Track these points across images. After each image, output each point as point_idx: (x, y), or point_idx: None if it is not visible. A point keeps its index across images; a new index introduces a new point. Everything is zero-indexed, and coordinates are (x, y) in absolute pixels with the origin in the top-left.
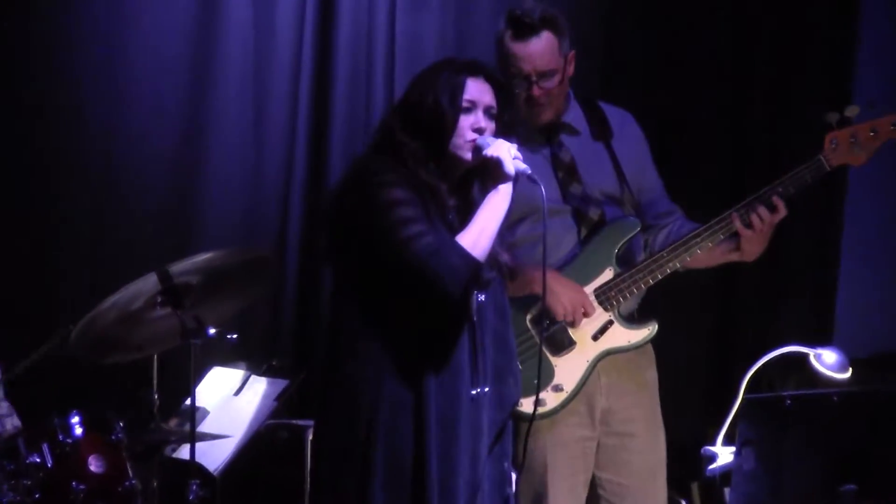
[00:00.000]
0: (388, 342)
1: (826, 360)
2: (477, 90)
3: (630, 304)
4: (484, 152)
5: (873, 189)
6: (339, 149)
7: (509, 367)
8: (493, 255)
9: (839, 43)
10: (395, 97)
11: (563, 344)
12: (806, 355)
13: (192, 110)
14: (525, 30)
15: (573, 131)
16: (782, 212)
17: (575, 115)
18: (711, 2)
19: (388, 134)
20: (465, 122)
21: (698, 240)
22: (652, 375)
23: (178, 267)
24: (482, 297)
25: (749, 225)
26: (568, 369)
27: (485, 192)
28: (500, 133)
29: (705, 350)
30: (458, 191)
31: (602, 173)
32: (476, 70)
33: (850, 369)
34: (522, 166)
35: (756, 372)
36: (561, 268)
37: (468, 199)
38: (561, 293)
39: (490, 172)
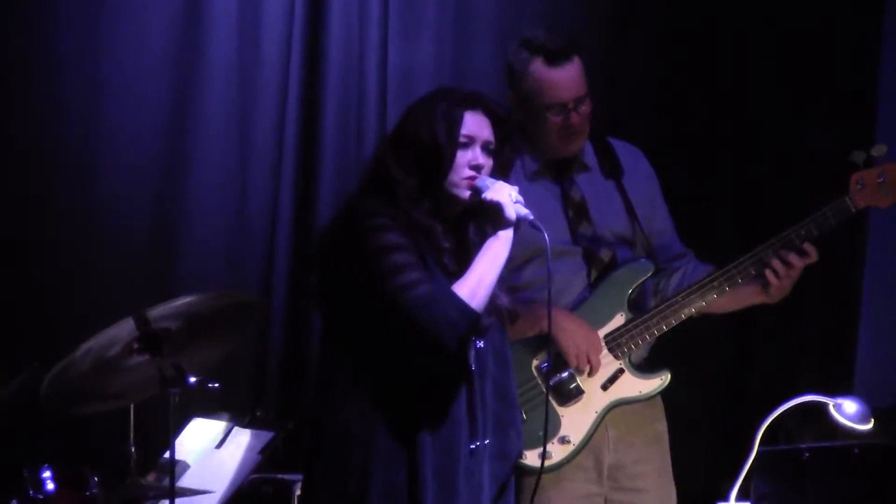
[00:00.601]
0: (381, 393)
1: (846, 411)
2: (475, 124)
3: (641, 352)
4: (483, 195)
5: None
6: (328, 184)
7: (510, 418)
8: (491, 300)
9: (860, 82)
10: (388, 130)
11: (570, 393)
12: (825, 405)
13: (172, 144)
14: (559, 56)
15: (584, 167)
16: (813, 255)
17: (586, 150)
18: (722, 33)
19: (381, 169)
20: (463, 158)
21: (714, 284)
22: (662, 428)
23: (156, 311)
24: (480, 344)
25: (772, 269)
26: (575, 420)
27: (482, 234)
28: (499, 170)
29: (718, 399)
30: (454, 231)
31: (613, 213)
32: (475, 102)
33: (873, 420)
34: (524, 211)
35: (772, 423)
36: (572, 311)
37: (464, 241)
38: (574, 332)
39: (489, 216)
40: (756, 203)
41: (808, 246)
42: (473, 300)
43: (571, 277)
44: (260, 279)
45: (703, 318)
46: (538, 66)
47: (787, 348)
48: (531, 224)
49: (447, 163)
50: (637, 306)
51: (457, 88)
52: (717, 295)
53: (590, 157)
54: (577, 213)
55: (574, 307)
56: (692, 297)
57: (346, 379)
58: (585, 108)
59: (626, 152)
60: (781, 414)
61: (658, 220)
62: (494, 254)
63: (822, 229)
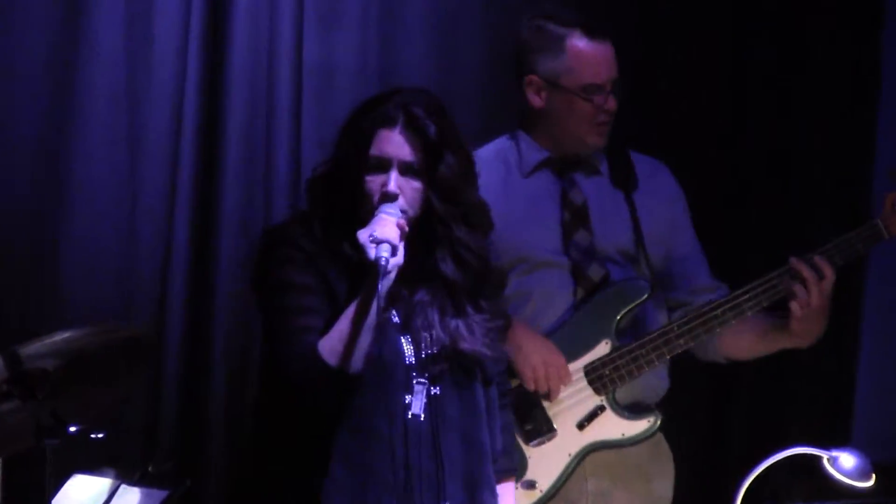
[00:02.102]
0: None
1: (843, 465)
2: (390, 144)
3: (633, 391)
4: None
5: None
6: (231, 202)
7: (482, 473)
8: (451, 342)
9: (858, 110)
10: (303, 137)
11: (539, 429)
12: (818, 458)
13: (50, 157)
14: (598, 29)
15: (593, 170)
16: (829, 275)
17: (598, 154)
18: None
19: (310, 192)
20: (374, 183)
21: (717, 313)
22: (662, 489)
23: (30, 349)
24: (436, 391)
25: (791, 293)
26: (544, 462)
27: (446, 267)
28: (439, 194)
29: (695, 451)
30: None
31: (619, 226)
32: (391, 118)
33: (874, 476)
34: (382, 255)
35: (757, 478)
36: (547, 336)
37: (417, 272)
38: (531, 354)
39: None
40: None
41: (821, 263)
42: (335, 358)
43: (556, 293)
44: (152, 312)
45: (683, 358)
46: (576, 40)
47: (777, 393)
48: (381, 272)
49: (355, 190)
50: (628, 335)
51: (385, 98)
52: (722, 328)
53: (601, 162)
54: (574, 218)
55: (553, 329)
56: (691, 327)
57: (267, 423)
58: (615, 98)
59: (645, 166)
60: (768, 468)
61: (679, 244)
62: (359, 304)
63: (848, 257)
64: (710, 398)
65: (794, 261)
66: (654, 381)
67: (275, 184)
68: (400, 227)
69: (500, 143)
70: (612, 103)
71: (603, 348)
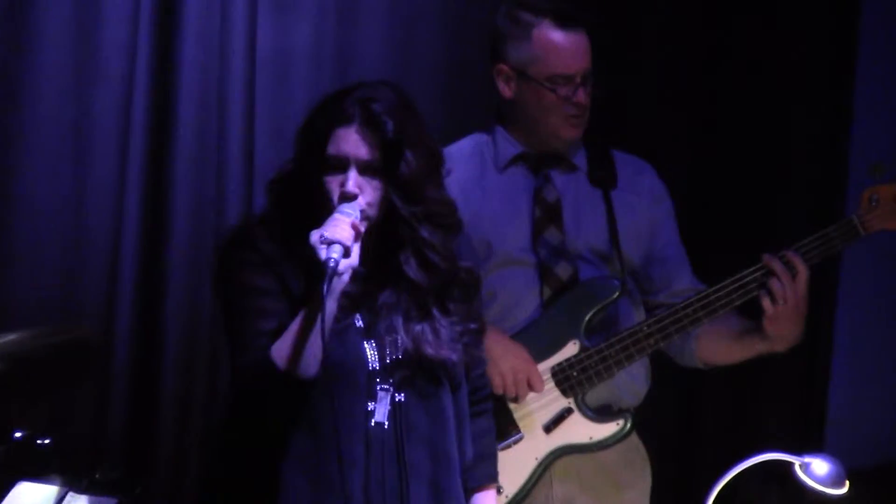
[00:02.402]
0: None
1: (816, 472)
2: (347, 142)
3: (604, 393)
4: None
5: (871, 265)
6: (182, 198)
7: (450, 486)
8: (415, 347)
9: (833, 103)
10: (256, 130)
11: (505, 432)
12: (790, 465)
13: None
14: (569, 18)
15: (570, 167)
16: (802, 271)
17: (577, 151)
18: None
19: (270, 194)
20: (332, 183)
21: (688, 312)
22: (635, 498)
23: None
24: (400, 396)
25: (766, 290)
26: (510, 467)
27: (410, 268)
28: (401, 193)
29: (662, 456)
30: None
31: (594, 224)
32: (348, 115)
33: (847, 483)
34: (333, 255)
35: (726, 485)
36: (514, 336)
37: (387, 275)
38: (500, 359)
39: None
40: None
41: (793, 258)
42: (285, 361)
43: (523, 293)
44: (100, 313)
45: (658, 358)
46: (545, 28)
47: (746, 396)
48: (329, 273)
49: (314, 192)
50: (600, 336)
51: (342, 95)
52: (692, 326)
53: (580, 158)
54: (546, 215)
55: (520, 330)
56: (662, 326)
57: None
58: (590, 90)
59: (627, 165)
60: (738, 475)
61: (660, 246)
62: (309, 307)
63: (824, 254)
64: (680, 402)
65: (766, 257)
66: (627, 382)
67: (227, 179)
68: (354, 227)
69: (478, 138)
70: (581, 96)
71: (571, 349)
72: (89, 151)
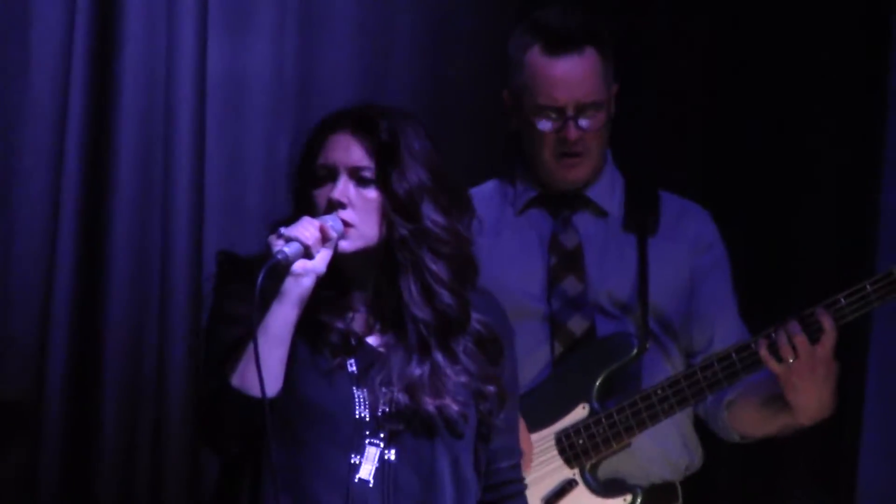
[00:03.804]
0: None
1: None
2: (336, 148)
3: (618, 464)
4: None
5: None
6: (123, 234)
7: None
8: (413, 401)
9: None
10: (207, 158)
11: None
12: None
13: None
14: (563, 42)
15: (597, 211)
16: (830, 333)
17: (607, 189)
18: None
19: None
20: (321, 195)
21: (707, 373)
22: None
23: None
24: (390, 454)
25: (777, 356)
26: None
27: (413, 300)
28: (399, 210)
29: None
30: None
31: (620, 273)
32: (336, 121)
33: None
34: (285, 249)
35: None
36: (521, 398)
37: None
38: None
39: None
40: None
41: (822, 317)
42: (240, 380)
43: (533, 348)
44: (30, 370)
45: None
46: (535, 54)
47: (770, 455)
48: (271, 263)
49: (306, 205)
50: (614, 399)
51: (341, 109)
52: (710, 391)
53: (610, 200)
54: (563, 263)
55: (527, 391)
56: (679, 389)
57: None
58: (593, 122)
59: (674, 208)
60: None
61: (704, 301)
62: (267, 319)
63: (858, 312)
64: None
65: (788, 319)
66: (654, 452)
67: (174, 212)
68: (322, 230)
69: (502, 176)
70: (571, 132)
71: (579, 413)
72: (17, 194)
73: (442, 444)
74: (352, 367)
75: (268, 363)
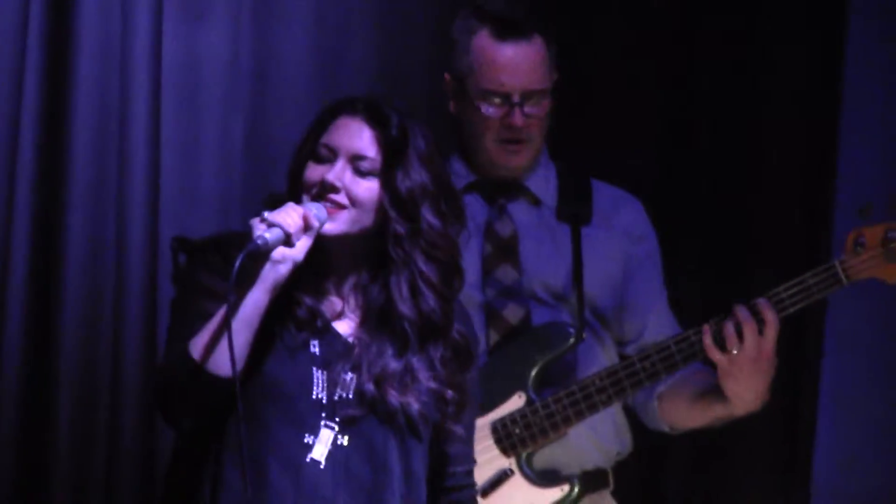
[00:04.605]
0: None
1: None
2: (345, 131)
3: (554, 454)
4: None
5: (860, 318)
6: (78, 225)
7: None
8: (377, 389)
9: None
10: (162, 147)
11: None
12: None
13: None
14: (512, 28)
15: (532, 200)
16: (772, 325)
17: (542, 178)
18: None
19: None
20: (315, 172)
21: (646, 364)
22: None
23: None
24: (343, 439)
25: (722, 344)
26: None
27: (401, 299)
28: (397, 206)
29: None
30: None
31: (555, 263)
32: (352, 105)
33: None
34: (266, 235)
35: None
36: None
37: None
38: None
39: None
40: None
41: (764, 308)
42: (206, 356)
43: None
44: None
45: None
46: (483, 38)
47: (718, 450)
48: (250, 249)
49: (297, 182)
50: (556, 387)
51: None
52: (648, 381)
53: (545, 189)
54: (498, 251)
55: None
56: (617, 380)
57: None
58: (538, 109)
59: (607, 197)
60: None
61: (636, 292)
62: (242, 301)
63: (800, 304)
64: (641, 473)
65: (736, 307)
66: (590, 440)
67: (130, 199)
68: (305, 219)
69: None
70: (517, 118)
71: (516, 402)
72: None
73: (396, 440)
74: (314, 348)
75: (237, 343)
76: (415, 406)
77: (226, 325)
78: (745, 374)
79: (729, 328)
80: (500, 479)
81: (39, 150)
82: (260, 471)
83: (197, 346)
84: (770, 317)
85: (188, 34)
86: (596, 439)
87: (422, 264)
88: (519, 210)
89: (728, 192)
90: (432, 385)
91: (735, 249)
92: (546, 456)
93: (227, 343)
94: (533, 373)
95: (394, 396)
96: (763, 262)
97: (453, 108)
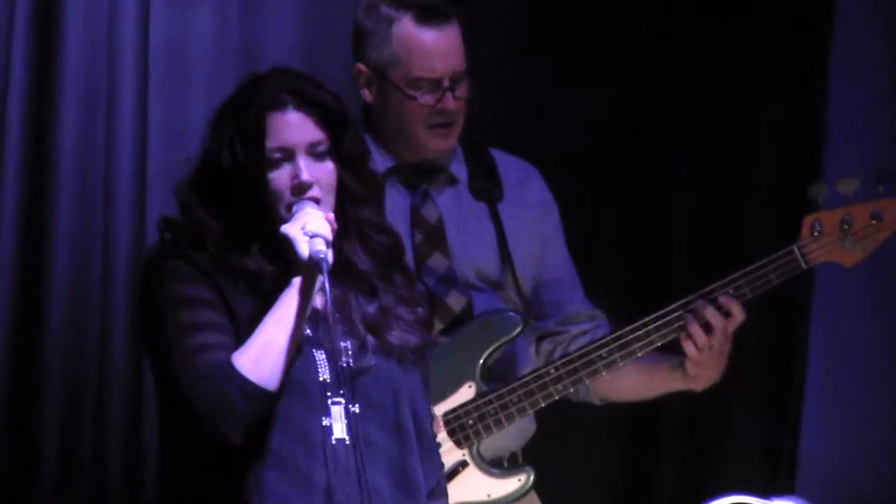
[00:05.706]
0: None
1: None
2: (288, 128)
3: (501, 442)
4: (281, 228)
5: (847, 300)
6: (65, 211)
7: None
8: (378, 339)
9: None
10: (150, 132)
11: None
12: None
13: None
14: (435, 13)
15: (450, 179)
16: (737, 315)
17: (455, 157)
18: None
19: (185, 212)
20: (280, 179)
21: (603, 353)
22: None
23: None
24: (355, 407)
25: (688, 334)
26: None
27: (359, 258)
28: (351, 170)
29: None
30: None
31: (481, 246)
32: (279, 99)
33: None
34: (318, 248)
35: None
36: None
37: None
38: None
39: (288, 256)
40: (670, 248)
41: (728, 302)
42: (256, 372)
43: None
44: None
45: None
46: (405, 26)
47: (705, 436)
48: (323, 268)
49: (262, 193)
50: (497, 377)
51: (261, 81)
52: (607, 371)
53: (459, 168)
54: (428, 238)
55: None
56: (572, 368)
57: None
58: (463, 91)
59: (512, 169)
60: None
61: (550, 266)
62: (283, 309)
63: (759, 288)
64: (627, 445)
65: (699, 303)
66: (513, 427)
67: (117, 190)
68: (329, 221)
69: None
70: (450, 102)
71: (466, 393)
72: None
73: (404, 391)
74: (307, 330)
75: (289, 358)
76: (413, 339)
77: (292, 343)
78: (713, 360)
79: (696, 328)
80: (456, 470)
81: (26, 131)
82: (290, 466)
83: (247, 362)
84: (736, 310)
85: (175, 15)
86: (522, 422)
87: (367, 213)
88: (439, 192)
89: (714, 192)
90: (411, 317)
91: (723, 249)
92: (487, 443)
93: (274, 357)
94: (480, 362)
95: (394, 335)
96: (750, 261)
97: (369, 97)
